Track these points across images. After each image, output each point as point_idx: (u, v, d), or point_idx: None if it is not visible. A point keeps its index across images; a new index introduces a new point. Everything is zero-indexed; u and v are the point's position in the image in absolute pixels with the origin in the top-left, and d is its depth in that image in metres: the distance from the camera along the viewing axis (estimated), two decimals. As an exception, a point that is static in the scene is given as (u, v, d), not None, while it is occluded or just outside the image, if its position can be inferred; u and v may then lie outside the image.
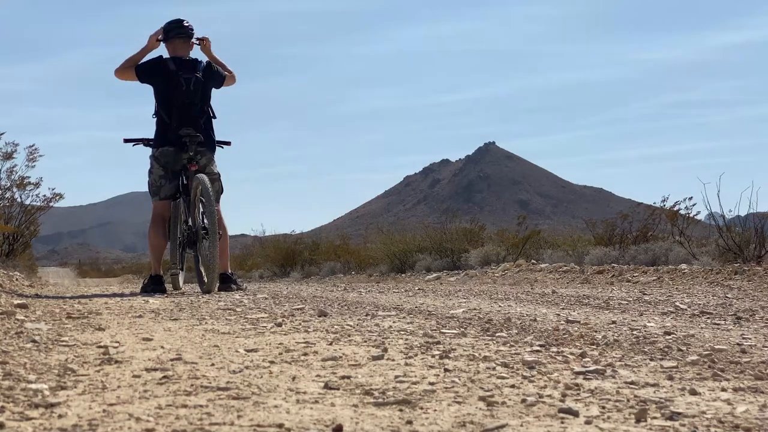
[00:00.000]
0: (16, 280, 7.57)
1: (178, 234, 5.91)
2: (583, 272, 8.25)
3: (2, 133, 10.69)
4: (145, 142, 5.99)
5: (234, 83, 6.18)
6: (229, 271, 6.04)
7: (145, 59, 5.91)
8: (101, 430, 1.39)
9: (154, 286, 5.80)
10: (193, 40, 5.97)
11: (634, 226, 10.96)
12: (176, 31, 5.88)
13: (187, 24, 5.93)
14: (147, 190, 6.00)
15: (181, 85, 5.72)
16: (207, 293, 5.44)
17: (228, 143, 6.18)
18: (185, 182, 5.81)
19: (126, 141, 6.03)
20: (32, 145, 11.18)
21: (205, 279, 5.60)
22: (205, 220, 5.54)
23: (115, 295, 5.87)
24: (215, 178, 5.83)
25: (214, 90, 6.01)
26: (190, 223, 5.79)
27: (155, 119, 5.88)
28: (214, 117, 5.98)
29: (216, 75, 5.97)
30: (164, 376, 1.89)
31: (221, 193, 5.95)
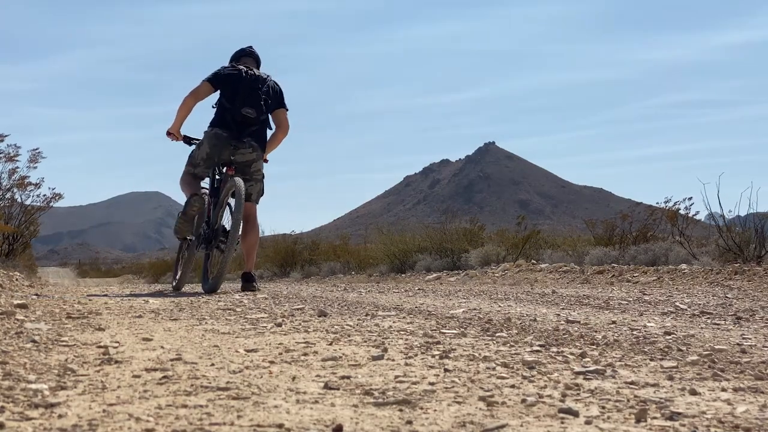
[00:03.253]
0: (16, 280, 7.57)
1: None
2: (583, 272, 8.25)
3: (6, 136, 10.71)
4: (186, 139, 6.11)
5: (284, 137, 6.19)
6: (253, 271, 6.08)
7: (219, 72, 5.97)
8: (101, 430, 1.39)
9: (195, 199, 5.73)
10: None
11: (634, 226, 10.96)
12: (248, 55, 6.18)
13: (252, 49, 6.25)
14: (187, 161, 6.03)
15: (255, 78, 5.89)
16: (209, 293, 5.52)
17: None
18: (216, 184, 5.92)
19: (185, 140, 6.13)
20: (36, 149, 11.22)
21: (210, 279, 5.69)
22: (229, 227, 5.64)
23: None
24: (259, 179, 5.89)
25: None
26: (211, 223, 5.85)
27: (215, 108, 5.92)
28: (270, 128, 6.08)
29: (280, 96, 6.09)
30: (164, 376, 1.89)
31: (262, 195, 5.98)
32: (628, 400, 1.70)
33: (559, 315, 3.80)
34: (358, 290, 6.96)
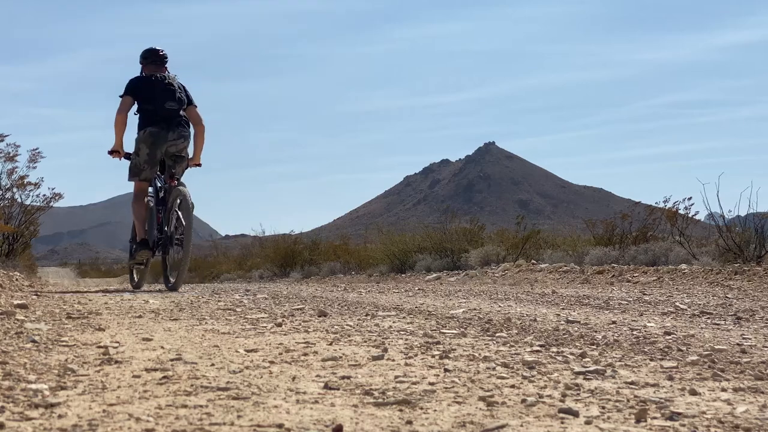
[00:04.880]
0: (16, 280, 7.57)
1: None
2: (583, 272, 8.25)
3: (6, 136, 10.70)
4: (126, 155, 6.54)
5: (203, 133, 6.72)
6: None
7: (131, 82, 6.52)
8: (101, 430, 1.39)
9: (141, 248, 6.42)
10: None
11: (634, 226, 10.95)
12: (152, 58, 6.68)
13: (162, 52, 6.74)
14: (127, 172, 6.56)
15: (162, 79, 6.48)
16: (172, 291, 6.16)
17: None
18: (162, 195, 6.50)
19: (126, 156, 6.53)
20: (36, 149, 11.20)
21: (172, 280, 6.35)
22: (180, 231, 6.25)
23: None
24: (186, 157, 6.51)
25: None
26: (164, 230, 6.43)
27: (138, 114, 6.47)
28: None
29: (188, 94, 6.66)
30: (164, 377, 1.89)
31: (186, 169, 6.60)
32: (628, 400, 1.70)
33: (559, 315, 3.80)
34: (358, 290, 6.96)
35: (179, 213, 6.28)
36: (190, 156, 6.58)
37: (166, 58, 6.69)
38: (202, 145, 6.66)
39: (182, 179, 6.53)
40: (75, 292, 6.29)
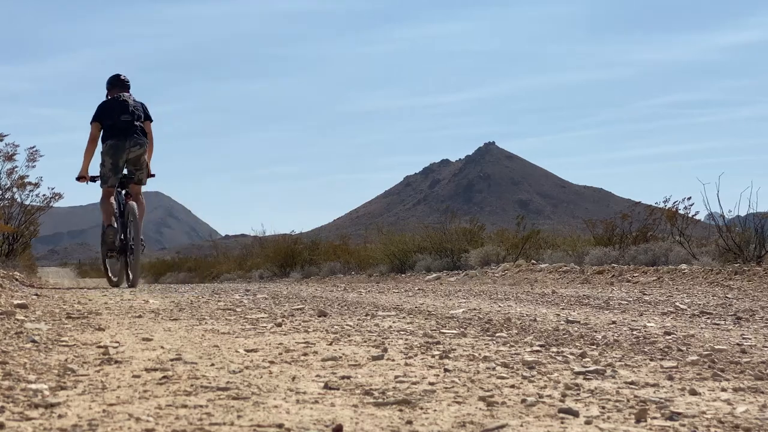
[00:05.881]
0: (16, 280, 7.57)
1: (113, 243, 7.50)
2: (583, 272, 8.25)
3: (6, 135, 10.70)
4: (93, 178, 7.50)
5: (152, 145, 7.61)
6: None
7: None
8: (101, 430, 1.39)
9: (110, 229, 7.42)
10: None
11: (633, 226, 10.94)
12: (116, 83, 7.66)
13: (123, 77, 7.73)
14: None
15: (118, 98, 7.46)
16: (131, 288, 7.17)
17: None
18: (122, 208, 7.53)
19: (92, 179, 7.49)
20: (33, 147, 11.19)
21: (131, 277, 7.40)
22: (132, 238, 7.37)
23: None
24: (144, 166, 7.47)
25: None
26: (122, 237, 7.45)
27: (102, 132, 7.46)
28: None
29: (146, 110, 7.63)
30: (164, 376, 1.89)
31: (148, 177, 7.62)
32: (628, 400, 1.70)
33: (559, 315, 3.80)
34: (358, 290, 6.96)
35: (130, 227, 7.42)
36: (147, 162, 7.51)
37: (128, 82, 7.72)
38: (150, 156, 7.60)
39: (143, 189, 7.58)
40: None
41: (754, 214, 8.42)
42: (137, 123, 7.37)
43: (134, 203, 7.40)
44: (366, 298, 5.52)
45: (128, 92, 7.59)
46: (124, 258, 7.46)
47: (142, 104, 7.57)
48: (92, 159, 7.49)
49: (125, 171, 7.43)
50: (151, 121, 7.60)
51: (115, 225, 7.44)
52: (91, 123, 7.40)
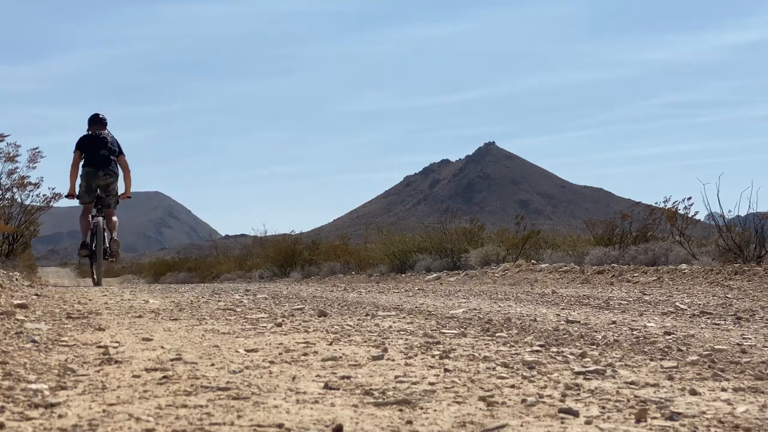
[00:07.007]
0: (16, 280, 7.57)
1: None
2: (583, 272, 8.25)
3: (6, 136, 10.73)
4: (77, 195, 8.90)
5: (130, 175, 9.14)
6: (114, 235, 9.09)
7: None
8: (101, 430, 1.39)
9: (82, 247, 8.83)
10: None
11: (633, 226, 10.94)
12: (95, 121, 9.05)
13: (101, 116, 9.18)
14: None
15: (99, 135, 8.87)
16: (96, 286, 8.49)
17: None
18: (94, 222, 8.92)
19: (77, 197, 8.86)
20: (36, 148, 11.22)
21: (96, 279, 8.88)
22: (96, 248, 8.75)
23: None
24: (115, 194, 8.89)
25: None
26: (92, 247, 8.85)
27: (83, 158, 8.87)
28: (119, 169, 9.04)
29: (119, 146, 9.04)
30: (164, 376, 1.89)
31: (117, 204, 9.05)
32: (628, 400, 1.71)
33: (559, 315, 3.80)
34: (358, 290, 6.96)
35: (97, 238, 8.78)
36: (121, 192, 9.01)
37: (106, 120, 9.15)
38: (130, 184, 9.13)
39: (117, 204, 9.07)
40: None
41: (754, 214, 8.42)
42: (112, 157, 8.88)
43: (100, 219, 8.83)
44: (366, 298, 5.52)
45: (106, 129, 9.08)
46: (92, 262, 9.01)
47: (116, 141, 9.06)
48: (77, 179, 8.99)
49: (98, 192, 8.82)
50: (124, 155, 9.07)
51: (87, 241, 8.88)
52: (73, 151, 8.89)
